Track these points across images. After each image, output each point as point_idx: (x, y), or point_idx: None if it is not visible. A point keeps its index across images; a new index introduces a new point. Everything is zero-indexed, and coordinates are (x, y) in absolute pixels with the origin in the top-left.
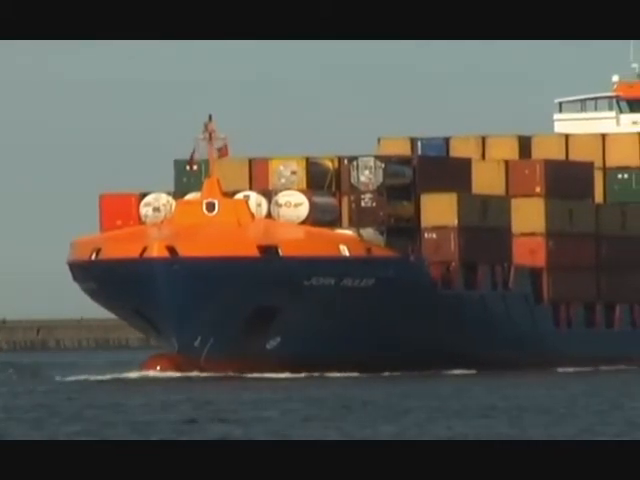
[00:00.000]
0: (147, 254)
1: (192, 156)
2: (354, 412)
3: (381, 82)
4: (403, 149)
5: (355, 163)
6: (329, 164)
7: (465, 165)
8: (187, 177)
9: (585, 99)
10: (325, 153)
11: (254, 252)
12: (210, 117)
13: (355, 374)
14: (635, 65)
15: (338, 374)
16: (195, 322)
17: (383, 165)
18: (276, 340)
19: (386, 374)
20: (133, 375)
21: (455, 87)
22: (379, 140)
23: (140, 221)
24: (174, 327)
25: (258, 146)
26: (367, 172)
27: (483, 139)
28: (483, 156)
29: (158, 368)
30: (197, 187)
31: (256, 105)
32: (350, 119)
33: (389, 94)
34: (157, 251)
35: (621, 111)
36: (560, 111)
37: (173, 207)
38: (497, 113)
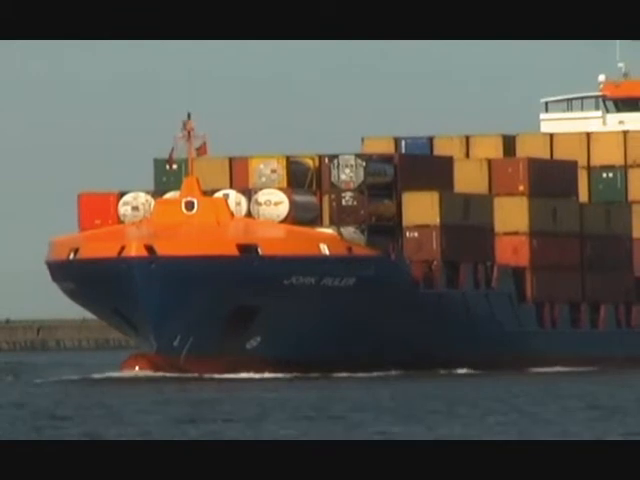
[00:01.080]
0: (125, 253)
1: (171, 155)
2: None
3: (365, 82)
4: (387, 149)
5: (336, 161)
6: (310, 162)
7: (447, 164)
8: (167, 176)
9: (571, 99)
10: (308, 152)
11: (233, 251)
12: (189, 115)
13: (336, 374)
14: (621, 64)
15: (319, 374)
16: (174, 322)
17: (364, 163)
18: (256, 340)
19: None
20: (114, 375)
21: (440, 87)
22: (363, 140)
23: (119, 220)
24: (152, 327)
25: (241, 144)
26: (348, 170)
27: (467, 138)
28: (467, 155)
29: (137, 368)
30: (177, 186)
31: (238, 104)
32: (334, 119)
33: (374, 94)
34: (135, 250)
35: (607, 111)
36: (546, 111)
37: (152, 206)
38: (483, 113)
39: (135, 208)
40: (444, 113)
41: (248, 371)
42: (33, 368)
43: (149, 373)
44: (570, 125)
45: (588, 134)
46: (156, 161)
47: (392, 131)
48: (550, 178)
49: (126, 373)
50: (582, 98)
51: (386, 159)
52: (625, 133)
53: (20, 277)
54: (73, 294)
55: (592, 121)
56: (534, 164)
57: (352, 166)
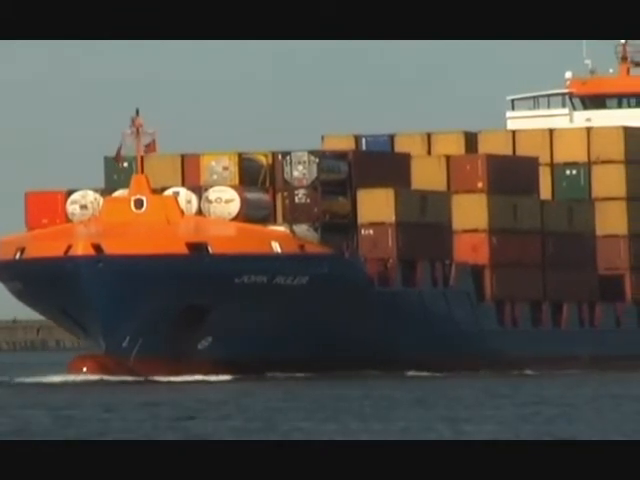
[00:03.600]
0: (72, 252)
1: (118, 151)
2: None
3: (327, 80)
4: (347, 146)
5: (288, 158)
6: (263, 160)
7: (404, 160)
8: (117, 174)
9: (538, 96)
10: (262, 150)
11: (183, 250)
12: (137, 111)
13: (288, 374)
14: (588, 61)
15: (270, 374)
16: (122, 322)
17: (317, 160)
18: (207, 340)
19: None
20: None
21: (405, 85)
22: (323, 137)
23: (67, 219)
24: (100, 327)
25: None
26: (300, 167)
27: (428, 136)
28: (429, 153)
29: (84, 370)
30: (127, 184)
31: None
32: (295, 117)
33: (335, 91)
34: (82, 249)
35: (574, 108)
36: (513, 109)
37: (101, 204)
38: (448, 111)
39: (83, 207)
40: (408, 111)
41: (200, 372)
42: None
43: (95, 376)
44: (536, 123)
45: (551, 130)
46: (106, 159)
47: (356, 129)
48: (510, 175)
49: (71, 376)
50: (549, 95)
51: (340, 156)
52: (589, 130)
53: None
54: (20, 294)
55: (559, 119)
56: (493, 161)
57: (305, 163)
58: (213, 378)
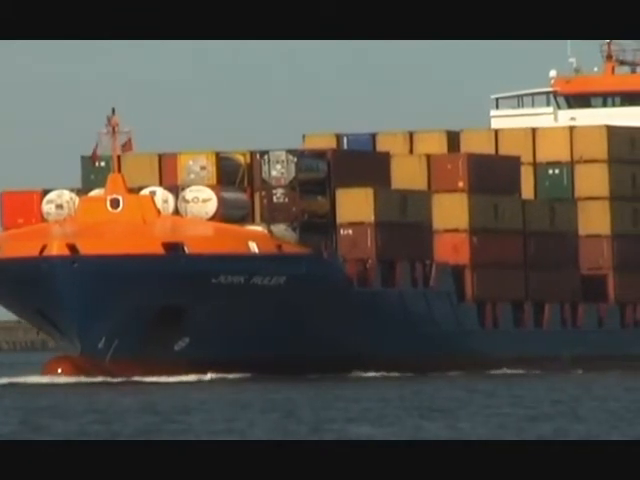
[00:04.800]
0: (46, 252)
1: (95, 151)
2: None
3: (309, 78)
4: (329, 145)
5: (266, 157)
6: (241, 159)
7: (384, 160)
8: (94, 173)
9: (522, 95)
10: (240, 149)
11: (159, 250)
12: (113, 110)
13: (268, 375)
14: (572, 60)
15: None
16: (98, 323)
17: (295, 159)
18: (184, 341)
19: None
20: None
21: (389, 84)
22: (304, 137)
23: (42, 219)
24: (76, 328)
25: (174, 141)
26: (279, 166)
27: (410, 134)
28: (411, 151)
29: (59, 371)
30: (104, 183)
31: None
32: (277, 116)
33: (317, 90)
34: (57, 249)
35: (559, 107)
36: (497, 107)
37: (77, 204)
38: (433, 110)
39: (59, 206)
40: (392, 110)
41: (177, 373)
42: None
43: (70, 378)
44: (521, 122)
45: (534, 130)
46: (83, 158)
47: (338, 128)
48: (491, 174)
49: (46, 378)
50: (533, 94)
51: (319, 155)
52: (572, 129)
53: None
54: None
55: (543, 117)
56: (474, 160)
57: (283, 162)
58: (191, 379)
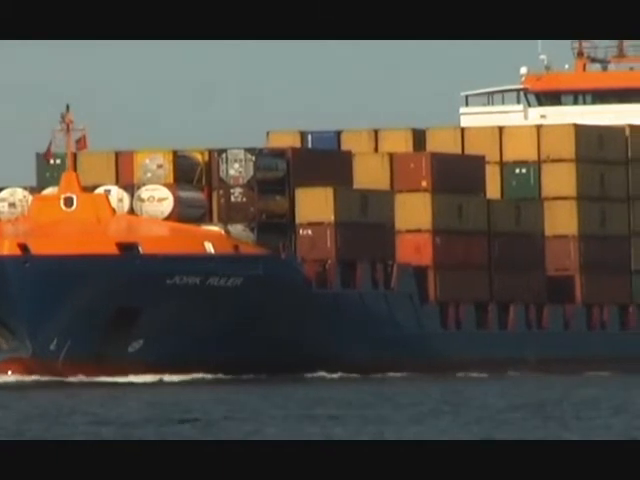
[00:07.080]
0: None
1: (48, 148)
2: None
3: (272, 75)
4: (293, 143)
5: (224, 156)
6: (198, 157)
7: (347, 159)
8: (50, 171)
9: (492, 92)
10: (198, 147)
11: (113, 250)
12: (67, 107)
13: (221, 376)
14: (543, 57)
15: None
16: (50, 324)
17: (253, 158)
18: (139, 342)
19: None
20: None
21: (357, 81)
22: (268, 134)
23: None
24: (27, 329)
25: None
26: (237, 165)
27: (375, 132)
28: (376, 150)
29: (9, 372)
30: (59, 181)
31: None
32: (239, 113)
33: (280, 87)
34: (8, 249)
35: (529, 104)
36: (466, 105)
37: (30, 202)
38: (399, 107)
39: (12, 205)
40: (358, 108)
41: (131, 374)
42: None
43: (22, 378)
44: (490, 119)
45: (501, 128)
46: (38, 156)
47: (303, 126)
48: (456, 174)
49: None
50: (503, 91)
51: (278, 154)
52: (539, 128)
53: None
54: None
55: (513, 115)
56: (438, 159)
57: (241, 161)
58: (145, 379)
